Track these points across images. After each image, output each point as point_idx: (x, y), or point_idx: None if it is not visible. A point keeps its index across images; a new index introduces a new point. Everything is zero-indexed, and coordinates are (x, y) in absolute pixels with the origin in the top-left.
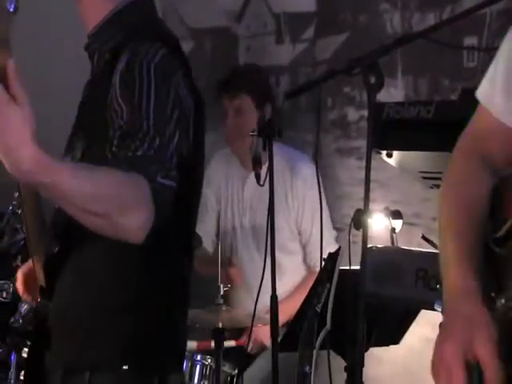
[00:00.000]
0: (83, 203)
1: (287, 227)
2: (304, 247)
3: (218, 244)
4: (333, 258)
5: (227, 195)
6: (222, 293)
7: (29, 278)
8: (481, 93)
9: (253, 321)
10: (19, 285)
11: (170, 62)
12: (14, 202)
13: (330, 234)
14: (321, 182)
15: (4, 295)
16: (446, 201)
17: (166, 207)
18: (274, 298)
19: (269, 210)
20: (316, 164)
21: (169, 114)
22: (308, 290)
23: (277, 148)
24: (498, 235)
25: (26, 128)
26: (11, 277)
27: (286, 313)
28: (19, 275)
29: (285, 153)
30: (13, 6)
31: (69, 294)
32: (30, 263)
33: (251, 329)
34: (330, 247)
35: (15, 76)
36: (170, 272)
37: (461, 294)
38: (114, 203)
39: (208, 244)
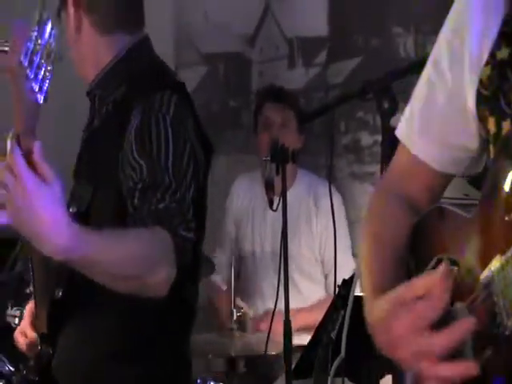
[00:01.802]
0: (114, 270)
1: (310, 253)
2: (326, 276)
3: (232, 268)
4: (347, 284)
5: (248, 218)
6: (235, 318)
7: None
8: (400, 131)
9: (266, 346)
10: (26, 318)
11: (182, 111)
12: None
13: (350, 263)
14: (342, 208)
15: (16, 321)
16: (365, 240)
17: (187, 259)
18: (287, 323)
19: (282, 235)
20: (329, 189)
21: (185, 166)
22: (324, 312)
23: (300, 175)
24: (427, 269)
25: (59, 206)
26: (24, 303)
27: (299, 321)
28: (27, 308)
29: (308, 180)
30: (42, 98)
31: (73, 341)
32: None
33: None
34: (348, 275)
35: (41, 157)
36: (174, 304)
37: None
38: (143, 265)
39: (227, 271)
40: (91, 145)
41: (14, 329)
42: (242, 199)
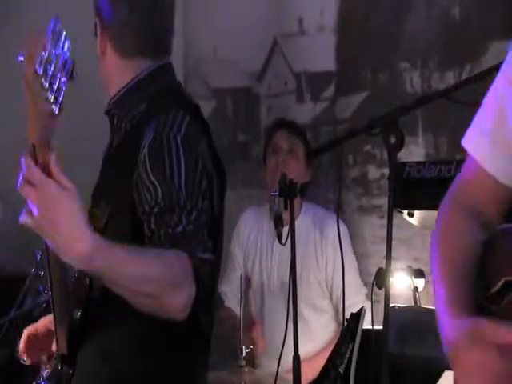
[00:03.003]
0: (134, 285)
1: (318, 285)
2: (336, 305)
3: (240, 303)
4: (355, 317)
5: (256, 251)
6: (244, 354)
7: (32, 338)
8: (467, 143)
9: (275, 382)
10: (22, 344)
11: (194, 132)
12: (36, 265)
13: (361, 291)
14: (348, 239)
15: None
16: (436, 255)
17: (206, 281)
18: (296, 358)
19: (291, 269)
20: (337, 221)
21: (198, 186)
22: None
23: (306, 208)
24: (491, 292)
25: (81, 214)
26: None
27: (313, 371)
28: (24, 334)
29: (315, 213)
30: (57, 109)
31: (91, 361)
32: (37, 324)
33: None
34: (361, 305)
35: (58, 167)
36: (190, 331)
37: (459, 340)
38: (163, 284)
39: (235, 303)
40: (110, 164)
41: (25, 365)
42: (250, 232)
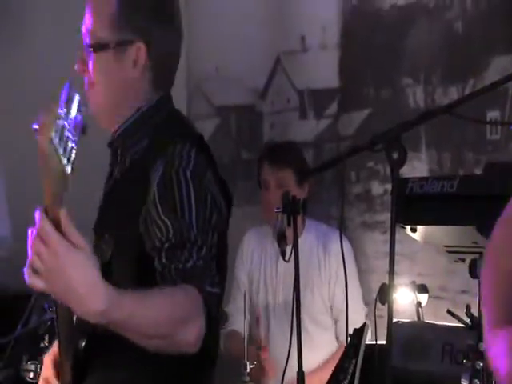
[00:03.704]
0: (148, 329)
1: (321, 301)
2: (336, 322)
3: (244, 320)
4: (358, 333)
5: (260, 271)
6: (248, 370)
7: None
8: None
9: None
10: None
11: (202, 163)
12: None
13: (361, 311)
14: (351, 256)
15: (31, 376)
16: (487, 271)
17: (215, 314)
18: (300, 373)
19: (294, 286)
20: (340, 238)
21: (209, 220)
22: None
23: (308, 224)
24: None
25: (94, 270)
26: (39, 357)
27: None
28: (47, 361)
29: (317, 229)
30: (70, 169)
31: None
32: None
33: None
34: (360, 323)
35: (69, 224)
36: (198, 360)
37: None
38: (176, 323)
39: (240, 323)
40: (113, 197)
41: (29, 383)
42: (253, 253)
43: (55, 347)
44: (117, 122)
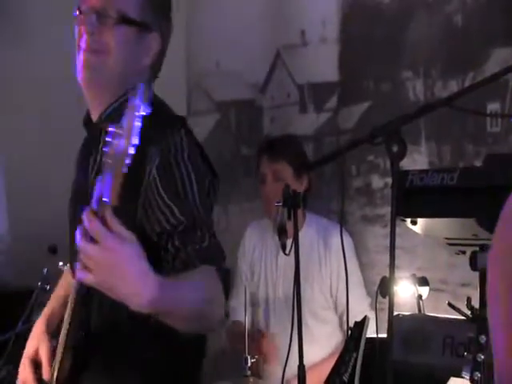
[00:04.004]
0: (185, 313)
1: (322, 296)
2: (341, 316)
3: (245, 313)
4: (359, 326)
5: (261, 264)
6: (249, 364)
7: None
8: None
9: None
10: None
11: (192, 144)
12: (43, 279)
13: (365, 301)
14: (352, 249)
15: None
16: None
17: (229, 289)
18: (301, 367)
19: (295, 279)
20: (341, 232)
21: (209, 199)
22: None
23: (309, 218)
24: None
25: (143, 261)
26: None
27: (317, 379)
28: (24, 363)
29: (318, 223)
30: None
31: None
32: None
33: None
34: (366, 314)
35: (114, 219)
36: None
37: None
38: (206, 305)
39: (243, 316)
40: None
41: None
42: (254, 246)
43: (30, 348)
44: (110, 99)
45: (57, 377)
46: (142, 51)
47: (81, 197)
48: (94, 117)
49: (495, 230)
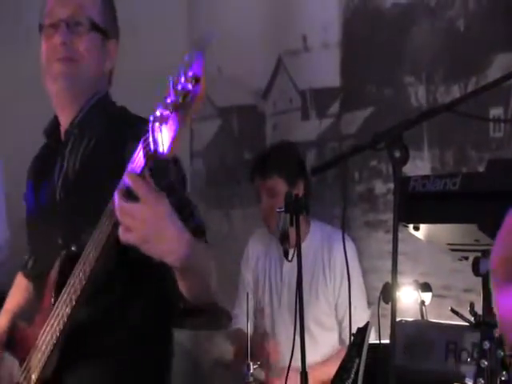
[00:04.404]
0: (204, 276)
1: (326, 303)
2: (340, 323)
3: (247, 320)
4: (362, 332)
5: (265, 272)
6: (252, 370)
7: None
8: None
9: None
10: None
11: None
12: None
13: (365, 312)
14: (355, 257)
15: None
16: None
17: None
18: (303, 374)
19: (297, 286)
20: (343, 237)
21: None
22: (339, 362)
23: (313, 225)
24: None
25: (176, 217)
26: None
27: (316, 378)
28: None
29: (322, 231)
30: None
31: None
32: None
33: None
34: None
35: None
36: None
37: None
38: (212, 274)
39: (245, 323)
40: (83, 183)
41: None
42: (258, 255)
43: None
44: (81, 105)
45: (38, 376)
46: (106, 57)
47: (46, 207)
48: (65, 123)
49: (496, 238)
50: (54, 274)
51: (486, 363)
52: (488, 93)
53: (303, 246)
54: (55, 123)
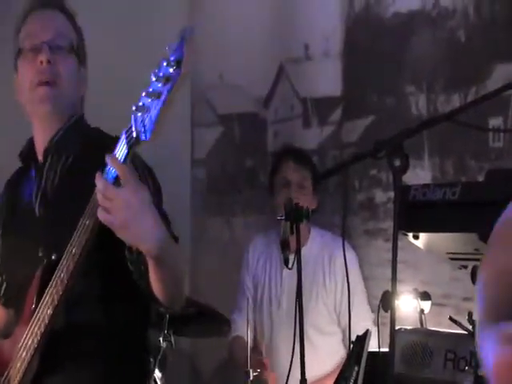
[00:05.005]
0: (177, 270)
1: (326, 310)
2: (344, 330)
3: (247, 327)
4: (361, 340)
5: (265, 278)
6: (251, 377)
7: None
8: None
9: None
10: None
11: None
12: None
13: (369, 317)
14: (356, 264)
15: None
16: (484, 267)
17: None
18: (303, 381)
19: (297, 293)
20: (343, 245)
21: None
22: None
23: (313, 233)
24: None
25: (153, 206)
26: None
27: None
28: None
29: (322, 237)
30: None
31: None
32: None
33: None
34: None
35: (124, 167)
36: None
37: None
38: (184, 273)
39: (244, 330)
40: (63, 198)
41: None
42: (258, 260)
43: None
44: (60, 126)
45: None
46: (80, 82)
47: (24, 225)
48: (43, 144)
49: (485, 254)
50: (35, 281)
51: (484, 372)
52: (488, 103)
53: (303, 252)
54: (31, 145)
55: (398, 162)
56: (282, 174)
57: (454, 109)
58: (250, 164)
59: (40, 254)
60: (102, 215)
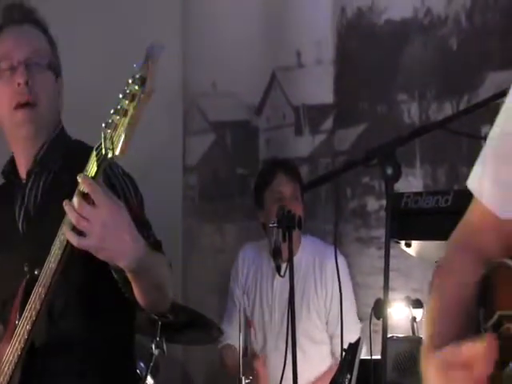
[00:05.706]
0: (158, 280)
1: (317, 318)
2: (331, 338)
3: (239, 334)
4: (353, 348)
5: (256, 287)
6: None
7: None
8: (471, 181)
9: None
10: None
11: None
12: None
13: (356, 327)
14: (346, 273)
15: None
16: (433, 292)
17: None
18: None
19: (289, 301)
20: (335, 253)
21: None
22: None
23: (304, 240)
24: (489, 324)
25: (132, 225)
26: None
27: None
28: None
29: (314, 246)
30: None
31: None
32: None
33: None
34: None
35: (95, 185)
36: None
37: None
38: (167, 281)
39: (235, 338)
40: (45, 214)
41: None
42: (248, 269)
43: None
44: (39, 145)
45: None
46: (57, 95)
47: (8, 242)
48: (25, 162)
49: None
50: (18, 296)
51: None
52: (480, 111)
53: (294, 260)
54: (13, 163)
55: (390, 170)
56: (275, 187)
57: (446, 117)
58: (242, 171)
59: (25, 269)
60: (75, 240)
